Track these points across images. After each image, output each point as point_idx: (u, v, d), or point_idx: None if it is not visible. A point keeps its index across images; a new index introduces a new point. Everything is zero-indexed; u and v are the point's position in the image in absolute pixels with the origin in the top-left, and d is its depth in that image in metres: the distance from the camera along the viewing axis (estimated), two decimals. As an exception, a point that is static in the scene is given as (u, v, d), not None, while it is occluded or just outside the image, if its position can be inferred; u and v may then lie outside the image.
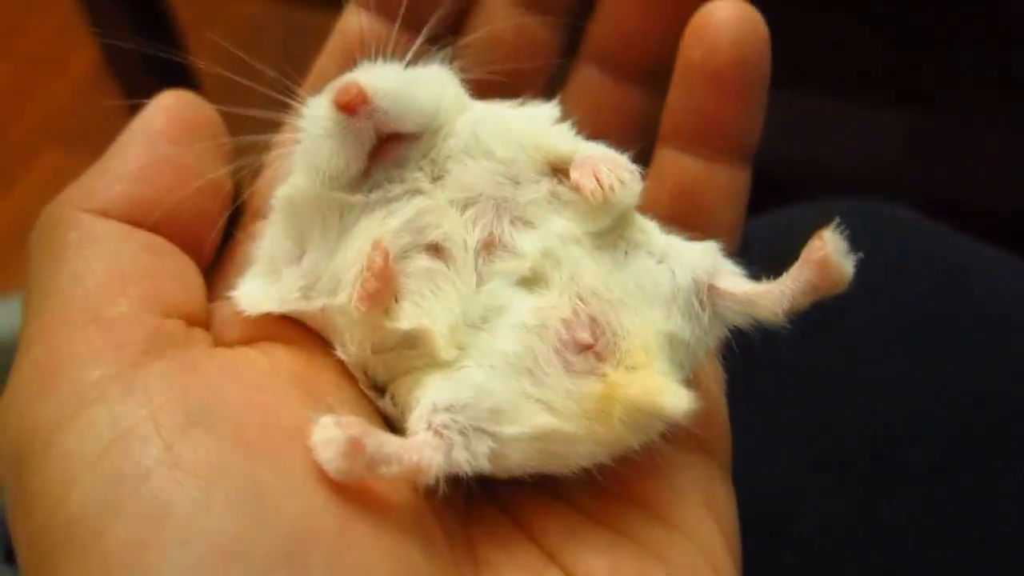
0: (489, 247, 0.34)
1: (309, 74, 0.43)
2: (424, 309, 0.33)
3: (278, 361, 0.34)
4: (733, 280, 0.34)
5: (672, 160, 0.41)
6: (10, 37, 1.38)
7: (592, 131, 0.42)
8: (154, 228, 0.36)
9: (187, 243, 0.36)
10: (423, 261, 0.33)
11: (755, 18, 0.39)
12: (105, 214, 0.35)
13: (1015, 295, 0.56)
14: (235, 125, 0.39)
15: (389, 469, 0.29)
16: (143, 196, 0.35)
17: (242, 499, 0.27)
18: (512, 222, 0.34)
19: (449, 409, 0.31)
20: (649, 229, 0.36)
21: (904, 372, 0.54)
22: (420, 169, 0.35)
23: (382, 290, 0.32)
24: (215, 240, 0.38)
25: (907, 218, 0.60)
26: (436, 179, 0.35)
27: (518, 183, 0.35)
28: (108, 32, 1.03)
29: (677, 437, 0.34)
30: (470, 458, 0.31)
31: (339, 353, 0.35)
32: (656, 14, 0.42)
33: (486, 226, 0.34)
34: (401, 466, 0.29)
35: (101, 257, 0.34)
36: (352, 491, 0.29)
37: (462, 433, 0.31)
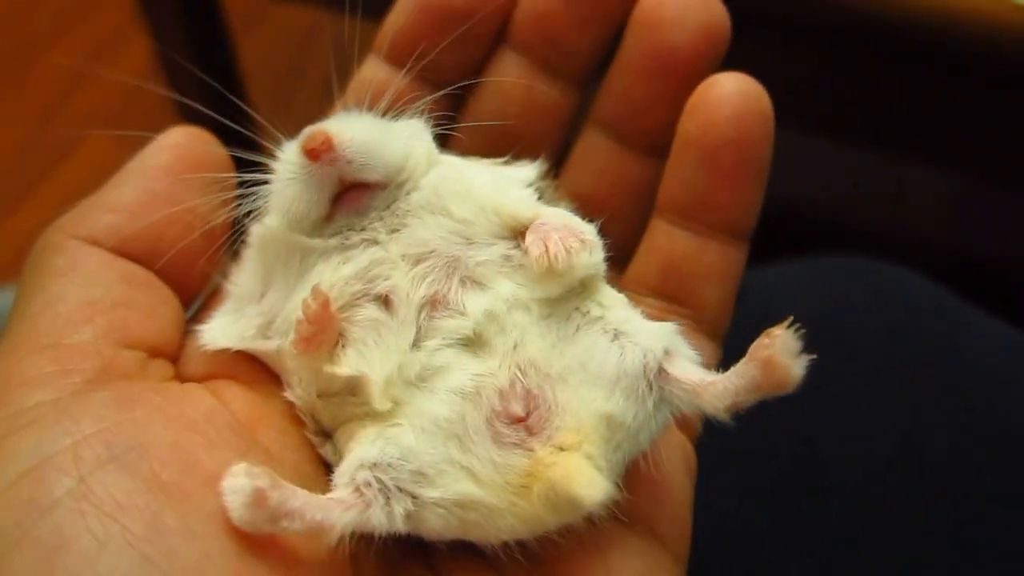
0: (435, 304, 0.34)
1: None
2: (365, 358, 0.33)
3: (226, 401, 0.35)
4: (684, 367, 0.33)
5: (663, 233, 0.41)
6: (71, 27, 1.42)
7: (594, 196, 0.41)
8: (139, 259, 0.36)
9: (172, 276, 0.37)
10: (370, 311, 0.33)
11: (758, 94, 0.38)
12: (94, 242, 0.36)
13: (1004, 359, 0.55)
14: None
15: (291, 524, 0.29)
16: (131, 228, 0.36)
17: (140, 539, 0.27)
18: (462, 281, 0.34)
19: (373, 467, 0.31)
20: (610, 303, 0.35)
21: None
22: (380, 220, 0.35)
23: (317, 335, 0.32)
24: (203, 275, 0.38)
25: (898, 275, 0.58)
26: (392, 231, 0.35)
27: (471, 243, 0.34)
28: (161, 32, 1.05)
29: (628, 516, 0.33)
30: (386, 520, 0.30)
31: (288, 395, 0.35)
32: (663, 85, 0.41)
33: (433, 283, 0.34)
34: (303, 523, 0.29)
35: (78, 284, 0.35)
36: (256, 542, 0.29)
37: (383, 492, 0.31)
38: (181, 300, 0.38)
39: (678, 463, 0.37)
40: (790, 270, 0.59)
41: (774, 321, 0.32)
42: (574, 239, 0.33)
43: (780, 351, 0.31)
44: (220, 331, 0.36)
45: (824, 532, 0.50)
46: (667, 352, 0.33)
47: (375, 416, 0.33)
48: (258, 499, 0.28)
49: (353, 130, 0.35)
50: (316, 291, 0.32)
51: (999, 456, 0.52)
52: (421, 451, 0.31)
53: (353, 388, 0.33)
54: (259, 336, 0.36)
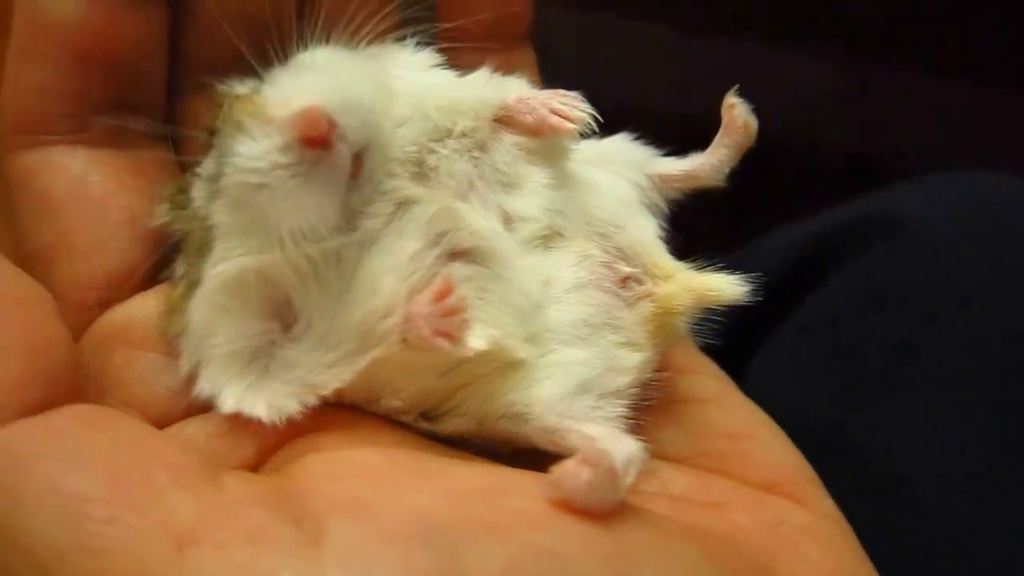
0: (506, 224, 0.32)
1: None
2: (487, 321, 0.30)
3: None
4: (669, 163, 0.37)
5: None
6: None
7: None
8: None
9: None
10: (460, 270, 0.30)
11: None
12: None
13: None
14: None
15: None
16: None
17: None
18: (505, 189, 0.32)
19: (576, 392, 0.31)
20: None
21: None
22: (393, 175, 0.30)
23: (465, 322, 0.29)
24: None
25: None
26: (418, 178, 0.31)
27: (484, 150, 0.33)
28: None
29: None
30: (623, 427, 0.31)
31: (382, 406, 0.31)
32: None
33: (492, 205, 0.32)
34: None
35: None
36: None
37: (596, 407, 0.31)
38: None
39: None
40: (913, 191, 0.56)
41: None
42: (564, 97, 0.33)
43: (747, 112, 0.37)
44: (273, 394, 0.30)
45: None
46: (647, 158, 0.37)
47: (509, 363, 0.31)
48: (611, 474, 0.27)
49: (331, 92, 0.28)
50: (445, 282, 0.28)
51: None
52: (592, 356, 0.32)
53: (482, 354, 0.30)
54: (322, 370, 0.30)
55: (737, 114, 0.37)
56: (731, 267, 0.34)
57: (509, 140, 0.33)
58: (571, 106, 0.33)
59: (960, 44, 0.94)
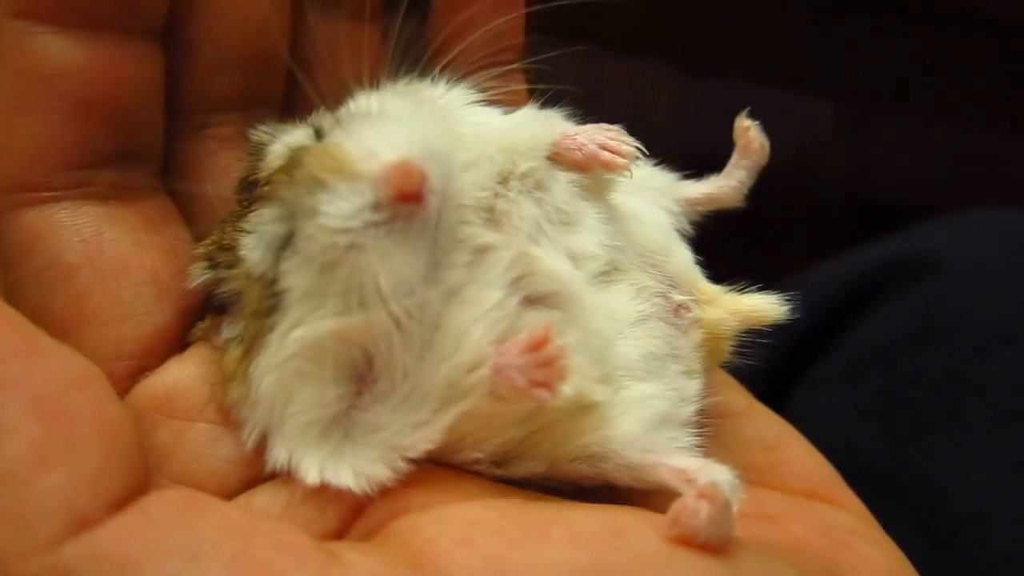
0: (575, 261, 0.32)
1: None
2: (574, 368, 0.30)
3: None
4: (690, 187, 0.38)
5: None
6: None
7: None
8: None
9: None
10: (537, 317, 0.30)
11: None
12: None
13: None
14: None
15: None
16: None
17: None
18: (566, 227, 0.32)
19: (655, 425, 0.31)
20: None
21: None
22: (466, 223, 0.30)
23: (564, 370, 0.29)
24: None
25: None
26: (490, 223, 0.30)
27: (543, 188, 0.32)
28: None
29: None
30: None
31: (461, 458, 0.30)
32: None
33: (560, 246, 0.31)
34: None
35: None
36: None
37: (674, 438, 0.31)
38: None
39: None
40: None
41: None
42: (609, 132, 0.33)
43: (761, 133, 0.38)
44: (358, 460, 0.28)
45: None
46: (673, 184, 0.37)
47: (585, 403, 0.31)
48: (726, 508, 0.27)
49: (414, 141, 0.27)
50: (542, 332, 0.28)
51: None
52: (663, 388, 0.32)
53: None
54: (410, 430, 0.29)
55: (753, 136, 0.38)
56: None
57: (564, 177, 0.33)
58: (618, 140, 0.33)
59: (960, 83, 0.98)
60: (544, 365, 0.28)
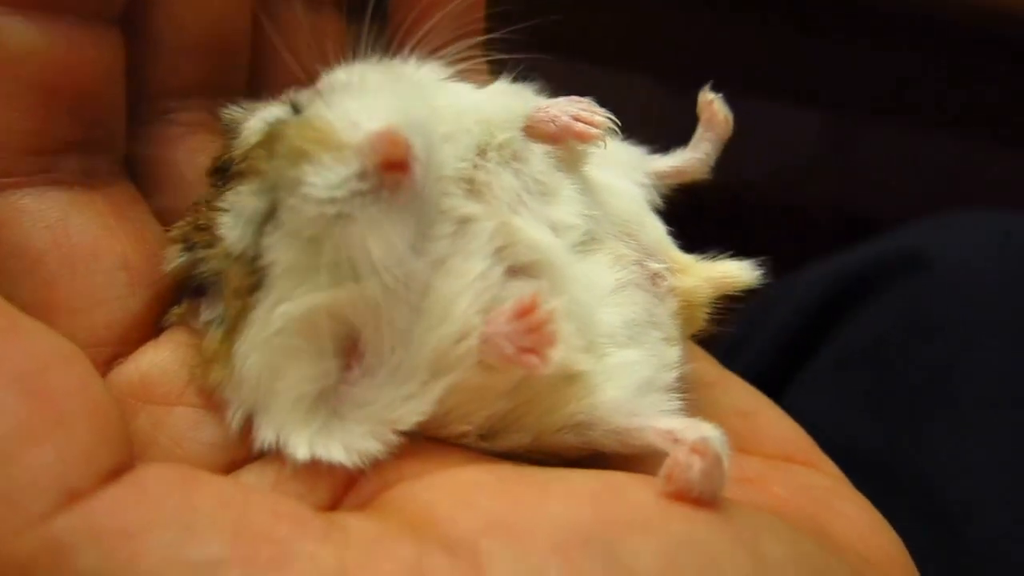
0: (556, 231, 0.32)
1: None
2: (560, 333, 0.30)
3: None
4: (659, 161, 0.38)
5: None
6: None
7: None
8: None
9: None
10: (521, 286, 0.30)
11: None
12: None
13: None
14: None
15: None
16: None
17: None
18: (544, 198, 0.32)
19: (640, 391, 0.31)
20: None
21: None
22: (448, 194, 0.29)
23: (554, 335, 0.28)
24: None
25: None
26: (471, 194, 0.30)
27: (520, 159, 0.32)
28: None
29: None
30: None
31: (448, 431, 0.30)
32: None
33: (540, 216, 0.31)
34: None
35: None
36: None
37: (658, 403, 0.32)
38: None
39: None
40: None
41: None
42: (581, 103, 0.34)
43: (723, 107, 0.38)
44: (348, 435, 0.28)
45: None
46: (641, 157, 0.38)
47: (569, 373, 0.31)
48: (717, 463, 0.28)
49: (393, 111, 0.27)
50: (532, 301, 0.28)
51: None
52: (645, 354, 0.32)
53: None
54: (399, 404, 0.29)
55: (716, 108, 0.38)
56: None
57: (539, 149, 0.33)
58: (591, 111, 0.33)
59: (946, 98, 1.00)
60: (533, 331, 0.28)
